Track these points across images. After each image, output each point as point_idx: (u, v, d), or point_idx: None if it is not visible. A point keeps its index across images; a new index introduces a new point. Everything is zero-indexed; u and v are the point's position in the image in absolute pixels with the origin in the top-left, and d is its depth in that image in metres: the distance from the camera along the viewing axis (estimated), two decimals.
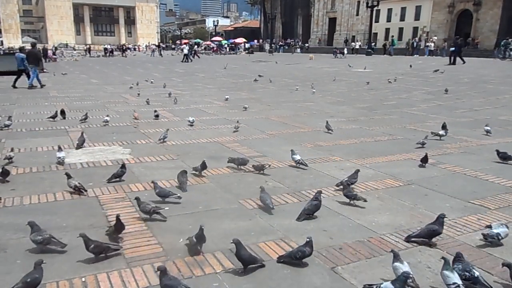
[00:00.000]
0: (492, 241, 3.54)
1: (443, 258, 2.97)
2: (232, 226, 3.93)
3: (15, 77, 16.11)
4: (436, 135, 7.59)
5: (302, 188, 5.00)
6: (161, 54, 52.84)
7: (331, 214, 4.26)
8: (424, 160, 5.91)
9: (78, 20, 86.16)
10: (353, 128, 8.68)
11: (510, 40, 33.83)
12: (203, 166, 5.42)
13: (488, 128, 8.03)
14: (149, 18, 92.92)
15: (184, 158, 6.27)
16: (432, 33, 50.42)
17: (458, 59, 27.34)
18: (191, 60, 37.91)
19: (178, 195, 4.50)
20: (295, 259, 3.22)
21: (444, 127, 7.76)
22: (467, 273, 2.85)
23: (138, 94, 13.75)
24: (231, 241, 3.20)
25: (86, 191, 4.73)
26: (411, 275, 2.88)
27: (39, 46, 27.29)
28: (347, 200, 4.49)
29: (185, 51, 38.95)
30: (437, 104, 12.15)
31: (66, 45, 72.81)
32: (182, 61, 36.51)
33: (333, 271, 3.18)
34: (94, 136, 7.63)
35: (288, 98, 13.43)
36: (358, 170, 5.06)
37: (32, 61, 15.98)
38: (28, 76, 15.99)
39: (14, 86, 15.65)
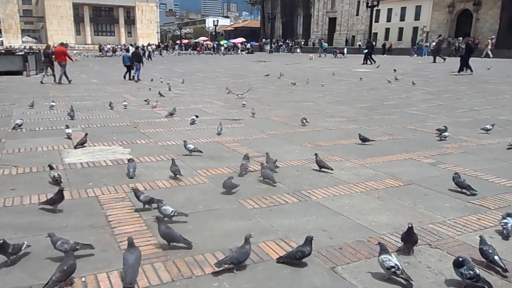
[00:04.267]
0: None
1: (379, 243, 3.15)
2: (232, 226, 3.93)
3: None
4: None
5: (302, 188, 5.00)
6: (161, 54, 52.90)
7: (331, 214, 4.26)
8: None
9: (78, 20, 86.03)
10: (353, 128, 8.68)
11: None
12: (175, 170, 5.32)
13: (489, 127, 8.10)
14: (149, 18, 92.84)
15: (184, 158, 6.27)
16: (432, 33, 50.44)
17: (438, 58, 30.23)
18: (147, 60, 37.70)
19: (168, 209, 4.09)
20: (295, 259, 3.22)
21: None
22: (471, 272, 2.88)
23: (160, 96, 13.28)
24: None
25: (61, 182, 4.94)
26: (400, 267, 2.97)
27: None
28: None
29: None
30: (437, 104, 12.16)
31: (66, 45, 72.75)
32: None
33: (333, 271, 3.18)
34: (94, 136, 7.63)
35: (288, 98, 13.44)
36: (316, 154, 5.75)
37: (136, 59, 19.46)
38: (129, 71, 19.80)
39: (125, 78, 19.69)
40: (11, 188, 4.87)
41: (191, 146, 6.42)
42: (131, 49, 23.85)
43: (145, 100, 12.01)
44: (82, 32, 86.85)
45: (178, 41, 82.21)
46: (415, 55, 41.76)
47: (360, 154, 6.53)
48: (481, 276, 2.90)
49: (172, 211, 3.94)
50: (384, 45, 46.50)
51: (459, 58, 22.74)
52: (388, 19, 59.14)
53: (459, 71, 21.68)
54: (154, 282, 3.01)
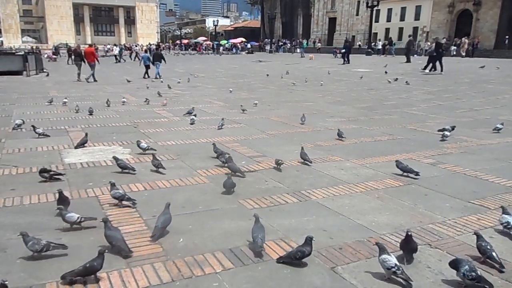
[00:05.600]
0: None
1: (376, 243, 3.20)
2: (232, 226, 3.93)
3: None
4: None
5: (302, 188, 5.00)
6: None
7: (331, 214, 4.26)
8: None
9: (78, 20, 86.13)
10: (353, 128, 8.68)
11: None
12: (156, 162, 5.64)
13: (500, 126, 8.18)
14: (149, 18, 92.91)
15: (184, 158, 6.27)
16: (432, 33, 50.44)
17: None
18: (124, 61, 37.74)
19: (134, 200, 4.39)
20: (295, 259, 3.22)
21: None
22: (473, 273, 2.88)
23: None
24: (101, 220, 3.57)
25: (62, 175, 5.21)
26: (400, 268, 2.97)
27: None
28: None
29: (116, 52, 38.96)
30: (437, 104, 12.16)
31: (66, 45, 72.73)
32: (115, 62, 35.92)
33: (333, 271, 3.18)
34: (94, 136, 7.63)
35: (288, 98, 13.44)
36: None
37: (156, 58, 21.17)
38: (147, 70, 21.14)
39: (144, 77, 20.56)
40: (11, 188, 4.87)
41: (144, 145, 6.50)
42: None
43: (145, 100, 12.02)
44: (82, 32, 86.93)
45: (178, 41, 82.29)
46: (415, 55, 41.82)
47: (360, 154, 6.53)
48: (483, 277, 2.90)
49: (78, 218, 3.77)
50: (384, 45, 46.46)
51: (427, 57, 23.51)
52: (388, 19, 59.12)
53: (424, 68, 22.57)
54: (154, 282, 3.01)
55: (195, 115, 9.25)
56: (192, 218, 4.10)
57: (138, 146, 6.49)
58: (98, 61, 19.85)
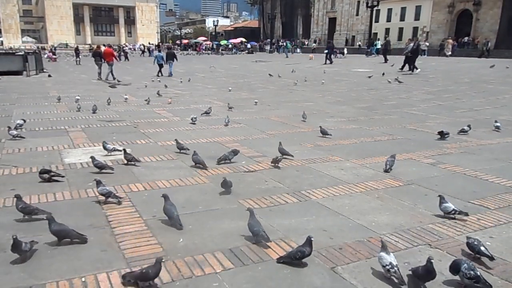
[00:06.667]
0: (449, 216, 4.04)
1: (381, 240, 3.23)
2: (232, 226, 3.93)
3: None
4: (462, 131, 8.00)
5: (302, 188, 5.00)
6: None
7: (331, 214, 4.26)
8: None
9: (78, 20, 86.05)
10: (353, 128, 8.68)
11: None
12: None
13: (498, 124, 8.28)
14: (149, 18, 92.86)
15: (184, 158, 6.27)
16: (432, 33, 50.47)
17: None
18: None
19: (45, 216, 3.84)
20: (295, 259, 3.22)
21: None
22: (472, 272, 2.88)
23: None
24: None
25: (63, 176, 5.25)
26: (394, 266, 2.98)
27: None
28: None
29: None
30: (437, 104, 12.16)
31: (66, 45, 72.78)
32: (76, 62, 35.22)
33: (333, 271, 3.18)
34: (94, 136, 7.63)
35: (288, 98, 13.44)
36: None
37: (170, 58, 22.64)
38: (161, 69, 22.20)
39: (158, 75, 21.43)
40: (11, 188, 4.87)
41: (110, 146, 6.47)
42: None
43: (146, 100, 12.02)
44: (82, 32, 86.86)
45: (178, 41, 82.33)
46: (373, 55, 42.09)
47: (360, 154, 6.53)
48: (482, 277, 2.90)
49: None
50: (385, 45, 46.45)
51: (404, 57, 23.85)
52: (388, 19, 59.13)
53: (401, 69, 23.34)
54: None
55: (209, 113, 9.59)
56: (192, 218, 4.10)
57: (104, 148, 6.42)
58: (117, 59, 20.96)
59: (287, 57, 44.62)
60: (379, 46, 46.19)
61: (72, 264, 3.23)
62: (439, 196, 4.21)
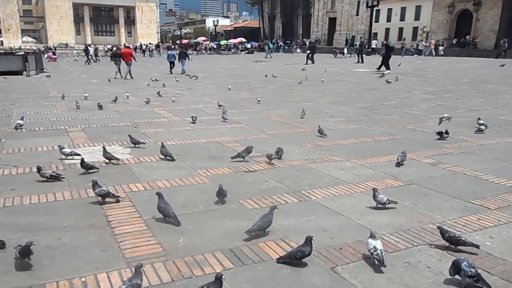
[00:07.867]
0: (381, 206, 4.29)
1: (371, 233, 3.35)
2: (232, 226, 3.93)
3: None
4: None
5: (302, 188, 5.00)
6: (160, 54, 52.85)
7: (331, 214, 4.26)
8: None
9: (78, 20, 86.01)
10: (353, 128, 8.68)
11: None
12: None
13: (481, 121, 8.25)
14: (149, 18, 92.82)
15: (184, 158, 6.26)
16: (432, 33, 50.44)
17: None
18: (94, 61, 37.09)
19: None
20: (295, 259, 3.22)
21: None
22: (473, 269, 2.88)
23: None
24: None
25: (62, 177, 5.22)
26: (378, 249, 3.17)
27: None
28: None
29: (91, 52, 38.49)
30: (437, 104, 12.16)
31: (66, 45, 72.76)
32: (85, 62, 35.09)
33: (333, 271, 3.18)
34: (94, 136, 7.63)
35: (288, 98, 13.44)
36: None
37: (182, 56, 24.42)
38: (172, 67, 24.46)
39: (171, 72, 23.72)
40: (11, 188, 4.87)
41: (67, 150, 6.13)
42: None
43: (146, 100, 12.02)
44: (82, 32, 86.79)
45: (178, 41, 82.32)
46: (351, 55, 42.13)
47: (360, 154, 6.53)
48: (481, 276, 2.90)
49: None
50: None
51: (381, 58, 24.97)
52: (388, 19, 59.06)
53: (378, 68, 24.36)
54: (154, 282, 3.01)
55: (225, 111, 9.58)
56: (192, 218, 4.10)
57: (60, 151, 6.09)
58: (135, 59, 21.63)
59: (266, 57, 42.94)
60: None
61: (72, 264, 3.23)
62: (373, 189, 4.44)
